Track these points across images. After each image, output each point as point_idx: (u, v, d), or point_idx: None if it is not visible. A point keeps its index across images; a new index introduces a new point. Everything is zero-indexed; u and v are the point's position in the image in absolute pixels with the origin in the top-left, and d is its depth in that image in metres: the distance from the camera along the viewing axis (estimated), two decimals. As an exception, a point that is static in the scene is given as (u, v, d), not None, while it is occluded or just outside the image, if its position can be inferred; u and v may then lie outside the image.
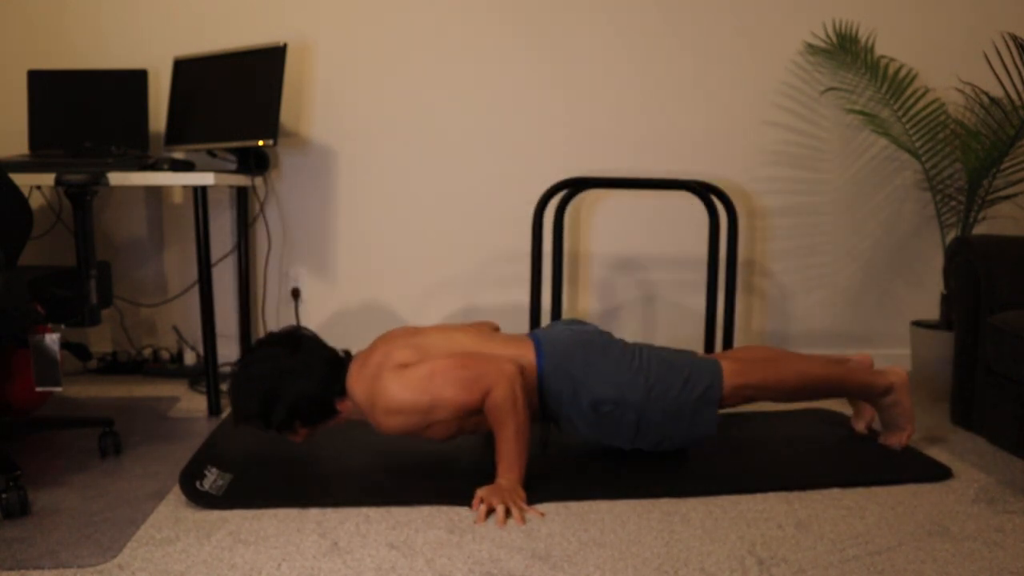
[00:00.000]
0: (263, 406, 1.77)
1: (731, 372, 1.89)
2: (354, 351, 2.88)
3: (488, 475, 1.82)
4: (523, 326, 2.93)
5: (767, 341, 3.02)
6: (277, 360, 1.78)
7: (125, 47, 2.76)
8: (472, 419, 1.79)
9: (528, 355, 1.86)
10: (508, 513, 1.61)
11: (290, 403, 1.77)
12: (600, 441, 1.90)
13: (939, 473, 1.87)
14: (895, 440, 2.02)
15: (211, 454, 1.87)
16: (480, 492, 1.67)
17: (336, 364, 1.84)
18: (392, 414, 1.73)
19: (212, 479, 1.75)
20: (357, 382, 1.80)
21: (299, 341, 1.83)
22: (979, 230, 2.96)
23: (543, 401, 1.87)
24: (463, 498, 1.69)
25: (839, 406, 2.48)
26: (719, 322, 2.99)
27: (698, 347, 2.99)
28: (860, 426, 2.19)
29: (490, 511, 1.63)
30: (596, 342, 1.89)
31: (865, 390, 1.98)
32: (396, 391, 1.72)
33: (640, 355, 1.88)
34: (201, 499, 1.66)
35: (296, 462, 1.91)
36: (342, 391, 1.82)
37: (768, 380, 1.89)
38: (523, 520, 1.59)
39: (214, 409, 2.33)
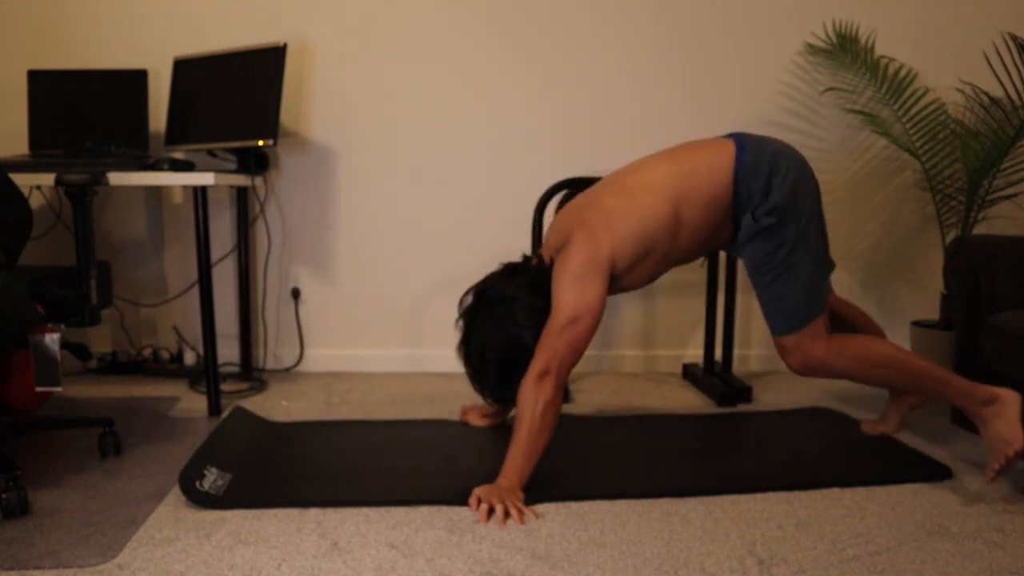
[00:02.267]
0: (509, 372, 1.83)
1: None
2: (370, 338, 2.90)
3: (488, 475, 1.82)
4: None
5: (767, 341, 3.02)
6: (501, 328, 1.82)
7: (125, 47, 2.76)
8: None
9: (728, 154, 1.84)
10: (507, 513, 1.61)
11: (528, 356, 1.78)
12: (747, 260, 1.91)
13: (939, 473, 1.87)
14: (996, 458, 1.75)
15: (211, 454, 1.87)
16: (478, 491, 1.66)
17: (544, 293, 1.83)
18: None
19: (212, 479, 1.75)
20: (561, 229, 1.87)
21: (506, 299, 1.84)
22: (979, 230, 2.96)
23: (735, 201, 1.85)
24: (463, 498, 1.69)
25: (839, 405, 2.48)
26: (719, 322, 2.99)
27: (698, 346, 2.99)
28: (874, 429, 2.17)
29: (491, 511, 1.63)
30: (802, 166, 1.88)
31: (968, 391, 1.84)
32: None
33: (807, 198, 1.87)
34: (201, 499, 1.66)
35: (296, 462, 1.91)
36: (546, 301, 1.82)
37: (847, 366, 1.88)
38: (522, 520, 1.59)
39: (214, 409, 2.33)
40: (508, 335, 1.83)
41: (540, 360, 1.70)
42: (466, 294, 1.95)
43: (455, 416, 2.33)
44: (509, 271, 1.89)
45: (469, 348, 1.91)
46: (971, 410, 1.86)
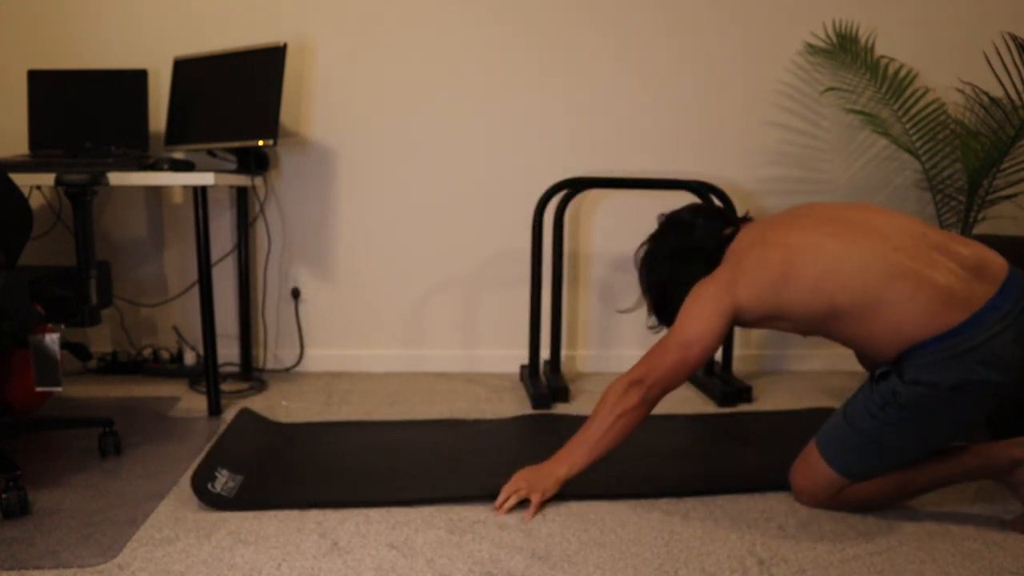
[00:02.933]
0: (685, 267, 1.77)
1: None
2: (370, 338, 2.90)
3: (488, 473, 1.82)
4: (523, 326, 2.93)
5: (767, 341, 3.02)
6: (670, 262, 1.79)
7: (125, 47, 2.76)
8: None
9: (1001, 264, 1.54)
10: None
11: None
12: (849, 416, 1.64)
13: None
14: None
15: (221, 456, 1.87)
16: (522, 473, 1.69)
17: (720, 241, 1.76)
18: None
19: (224, 480, 1.75)
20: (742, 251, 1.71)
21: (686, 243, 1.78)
22: (979, 230, 2.95)
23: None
24: (463, 498, 1.70)
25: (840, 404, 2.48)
26: (719, 322, 2.99)
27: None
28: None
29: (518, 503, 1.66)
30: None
31: (986, 470, 1.61)
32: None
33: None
34: (214, 501, 1.66)
35: (306, 463, 1.91)
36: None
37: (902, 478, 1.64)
38: (531, 516, 1.62)
39: (214, 409, 2.33)
40: (672, 272, 1.78)
41: (639, 368, 1.64)
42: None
43: (463, 415, 2.33)
44: (707, 214, 1.81)
45: (650, 256, 1.84)
46: (1000, 479, 1.63)
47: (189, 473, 1.86)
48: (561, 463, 1.67)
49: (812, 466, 1.67)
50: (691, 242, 1.78)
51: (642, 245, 1.87)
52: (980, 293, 1.50)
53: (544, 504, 1.69)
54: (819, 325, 1.61)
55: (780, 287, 1.60)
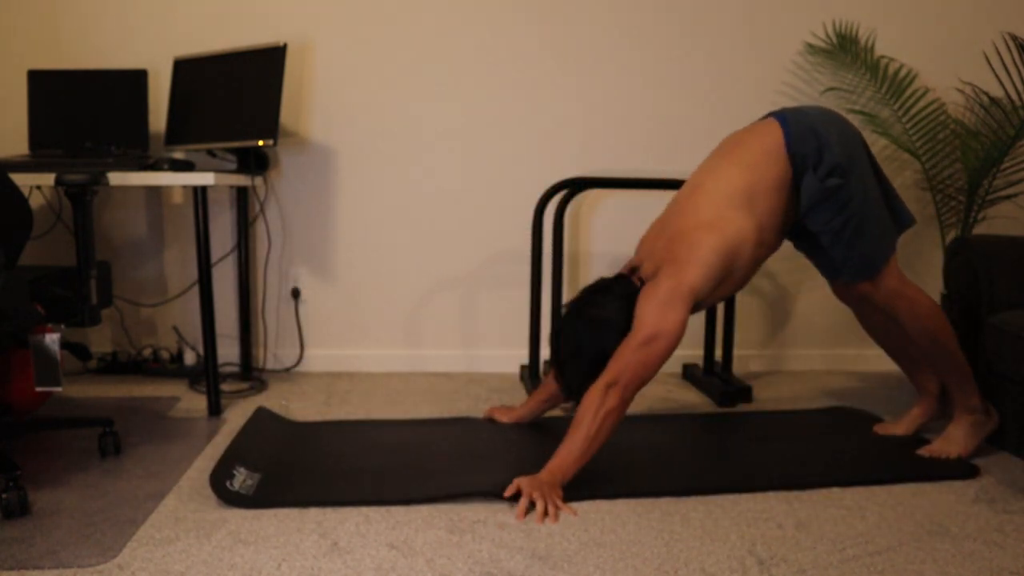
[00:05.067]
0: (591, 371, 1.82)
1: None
2: (370, 338, 2.90)
3: (489, 473, 1.82)
4: (523, 326, 2.93)
5: (767, 341, 3.02)
6: (597, 336, 1.83)
7: (125, 47, 2.76)
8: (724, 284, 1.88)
9: (775, 134, 1.91)
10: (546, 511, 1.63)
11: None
12: (812, 227, 1.93)
13: (965, 472, 1.88)
14: (937, 448, 2.01)
15: (239, 454, 1.87)
16: (519, 481, 1.68)
17: (621, 304, 1.86)
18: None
19: (242, 479, 1.75)
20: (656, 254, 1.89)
21: (594, 311, 1.85)
22: (979, 230, 2.95)
23: (794, 172, 1.90)
24: (463, 498, 1.70)
25: (841, 403, 2.48)
26: (719, 322, 3.00)
27: (698, 346, 2.99)
28: (890, 430, 2.18)
29: (530, 507, 1.64)
30: (842, 121, 1.95)
31: (966, 393, 2.01)
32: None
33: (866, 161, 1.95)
34: (233, 499, 1.66)
35: (323, 462, 1.91)
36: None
37: (919, 297, 1.97)
38: (556, 519, 1.61)
39: (214, 409, 2.33)
40: (598, 344, 1.82)
41: (611, 371, 1.72)
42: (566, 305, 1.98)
43: (464, 415, 2.33)
44: (605, 286, 1.91)
45: (560, 342, 1.90)
46: (961, 405, 2.03)
47: (190, 473, 1.86)
48: (556, 470, 1.70)
49: (857, 291, 2.01)
50: (606, 339, 1.83)
51: (559, 333, 1.89)
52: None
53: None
54: (759, 237, 1.88)
55: (720, 241, 1.81)
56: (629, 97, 2.87)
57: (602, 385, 1.72)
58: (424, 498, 1.69)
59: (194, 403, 2.46)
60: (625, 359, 1.73)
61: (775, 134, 1.92)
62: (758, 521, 1.63)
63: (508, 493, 1.66)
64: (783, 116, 1.94)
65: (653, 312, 1.76)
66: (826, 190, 1.87)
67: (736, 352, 3.01)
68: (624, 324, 1.81)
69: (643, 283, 1.87)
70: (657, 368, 1.75)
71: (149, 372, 2.81)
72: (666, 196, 2.92)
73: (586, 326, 1.84)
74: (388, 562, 1.43)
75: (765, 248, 1.94)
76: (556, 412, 2.37)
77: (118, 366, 2.83)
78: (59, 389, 1.90)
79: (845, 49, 2.81)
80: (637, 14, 2.83)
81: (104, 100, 2.61)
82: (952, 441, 2.00)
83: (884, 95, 2.81)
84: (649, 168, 2.90)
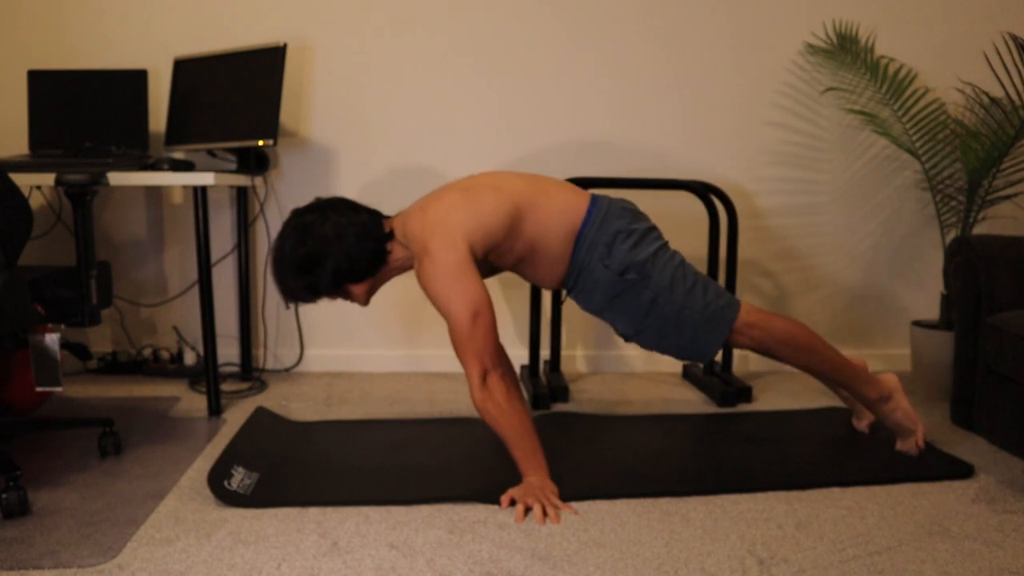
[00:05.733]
0: (306, 276, 1.82)
1: (749, 310, 1.91)
2: (370, 338, 2.90)
3: (489, 473, 1.82)
4: (523, 327, 2.94)
5: (767, 341, 3.02)
6: (304, 231, 1.81)
7: (125, 47, 2.76)
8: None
9: (581, 202, 1.89)
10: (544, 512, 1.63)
11: (332, 266, 1.81)
12: (609, 313, 1.90)
13: (960, 471, 1.88)
14: (909, 444, 2.00)
15: (237, 454, 1.88)
16: (512, 492, 1.68)
17: (371, 213, 1.87)
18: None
19: (240, 478, 1.76)
20: (411, 222, 1.83)
21: (322, 208, 1.84)
22: (979, 230, 2.96)
23: (575, 249, 1.87)
24: (463, 498, 1.70)
25: (841, 403, 2.48)
26: (719, 322, 2.99)
27: (698, 347, 2.98)
28: (862, 425, 2.19)
29: (527, 510, 1.64)
30: (647, 223, 1.92)
31: (863, 391, 1.98)
32: (434, 270, 1.75)
33: (676, 255, 1.92)
34: (230, 498, 1.66)
35: (322, 461, 1.91)
36: (384, 237, 1.86)
37: (779, 330, 1.90)
38: (558, 519, 1.61)
39: (214, 409, 2.33)
40: (319, 248, 1.81)
41: (471, 366, 1.71)
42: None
43: (464, 415, 2.33)
44: (354, 207, 1.89)
45: (283, 240, 1.87)
46: (870, 400, 1.99)
47: (190, 473, 1.86)
48: (529, 471, 1.71)
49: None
50: (359, 221, 1.84)
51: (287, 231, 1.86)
52: None
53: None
54: (512, 234, 1.84)
55: (473, 208, 1.80)
56: (629, 97, 2.87)
57: (478, 383, 1.71)
58: (424, 498, 1.69)
59: (194, 403, 2.46)
60: (472, 348, 1.71)
61: (583, 201, 1.89)
62: (758, 521, 1.63)
63: (505, 506, 1.67)
64: (596, 199, 1.92)
65: (454, 295, 1.73)
66: (623, 282, 1.85)
67: (736, 352, 3.01)
68: (356, 258, 1.81)
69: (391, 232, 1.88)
70: (496, 332, 1.74)
71: (149, 372, 2.81)
72: (666, 196, 2.92)
73: (315, 233, 1.81)
74: (388, 562, 1.43)
75: (512, 255, 1.90)
76: (559, 410, 2.37)
77: (118, 366, 2.83)
78: (59, 389, 1.90)
79: (845, 49, 2.81)
80: (637, 15, 2.83)
81: (104, 100, 2.61)
82: (903, 431, 2.00)
83: (884, 95, 2.81)
84: (649, 168, 2.90)
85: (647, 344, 1.92)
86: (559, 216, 1.86)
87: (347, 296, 1.91)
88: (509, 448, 1.72)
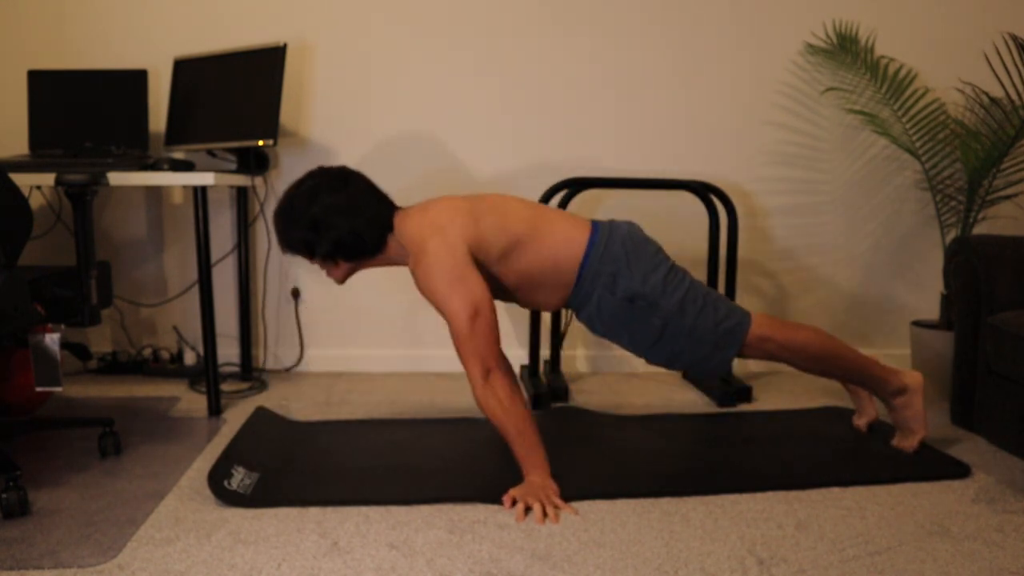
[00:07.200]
0: (309, 233, 1.83)
1: (761, 322, 1.90)
2: (370, 338, 2.90)
3: (489, 473, 1.82)
4: (523, 327, 2.94)
5: (767, 341, 3.02)
6: (324, 193, 1.83)
7: (125, 47, 2.76)
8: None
9: (582, 234, 1.87)
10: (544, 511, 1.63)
11: (335, 235, 1.83)
12: (616, 337, 1.90)
13: (957, 471, 1.88)
14: (907, 443, 2.01)
15: (237, 454, 1.88)
16: (513, 492, 1.68)
17: (384, 202, 1.88)
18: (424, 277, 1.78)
19: (239, 478, 1.76)
20: (410, 221, 1.85)
21: (347, 177, 1.86)
22: (979, 230, 2.96)
23: (579, 280, 1.87)
24: (463, 498, 1.70)
25: (842, 403, 2.48)
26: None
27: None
28: (862, 423, 2.19)
29: (527, 509, 1.64)
30: (652, 246, 1.91)
31: (881, 384, 1.98)
32: (434, 269, 1.75)
33: (683, 274, 1.90)
34: (230, 498, 1.66)
35: (323, 461, 1.91)
36: (389, 227, 1.87)
37: (793, 341, 1.90)
38: (557, 519, 1.61)
39: (214, 409, 2.33)
40: (330, 216, 1.82)
41: (473, 365, 1.72)
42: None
43: (476, 414, 2.33)
44: (374, 189, 1.89)
45: (299, 189, 1.87)
46: (885, 394, 2.00)
47: (190, 473, 1.86)
48: (531, 470, 1.71)
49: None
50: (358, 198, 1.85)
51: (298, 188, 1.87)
52: None
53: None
54: (506, 258, 1.84)
55: (472, 224, 1.81)
56: (629, 97, 2.87)
57: (480, 381, 1.71)
58: (424, 498, 1.69)
59: (194, 403, 2.46)
60: (474, 347, 1.71)
61: (583, 232, 1.88)
62: (758, 521, 1.63)
63: (507, 506, 1.67)
64: (597, 226, 1.91)
65: (454, 294, 1.73)
66: (634, 308, 1.85)
67: (736, 352, 3.01)
68: (352, 232, 1.82)
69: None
70: (497, 330, 1.75)
71: (149, 372, 2.81)
72: (666, 196, 2.92)
73: (341, 202, 1.83)
74: (388, 562, 1.43)
75: (502, 279, 1.89)
76: (557, 407, 2.37)
77: (118, 366, 2.84)
78: (59, 389, 1.90)
79: (845, 49, 2.81)
80: (637, 15, 2.83)
81: (104, 100, 2.61)
82: (905, 430, 2.02)
83: (884, 95, 2.81)
84: (649, 168, 2.90)
85: (656, 362, 1.92)
86: (560, 247, 1.86)
87: (330, 268, 1.92)
88: (511, 446, 1.72)
